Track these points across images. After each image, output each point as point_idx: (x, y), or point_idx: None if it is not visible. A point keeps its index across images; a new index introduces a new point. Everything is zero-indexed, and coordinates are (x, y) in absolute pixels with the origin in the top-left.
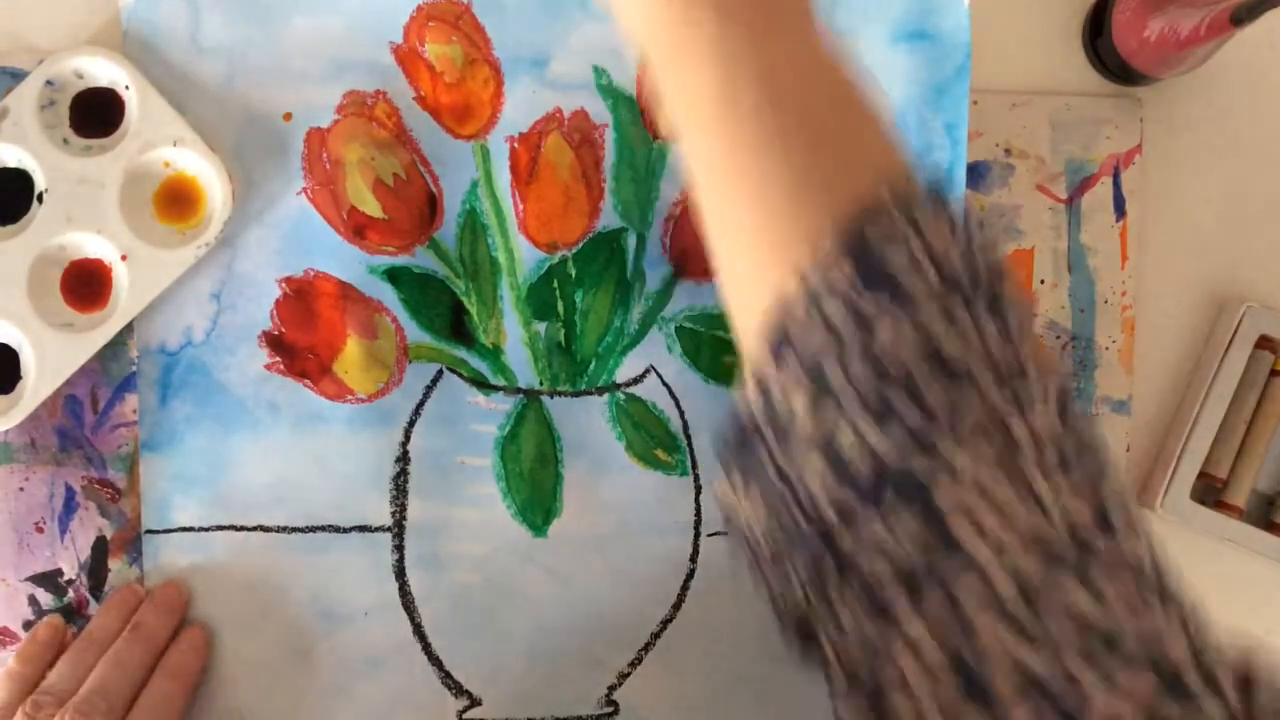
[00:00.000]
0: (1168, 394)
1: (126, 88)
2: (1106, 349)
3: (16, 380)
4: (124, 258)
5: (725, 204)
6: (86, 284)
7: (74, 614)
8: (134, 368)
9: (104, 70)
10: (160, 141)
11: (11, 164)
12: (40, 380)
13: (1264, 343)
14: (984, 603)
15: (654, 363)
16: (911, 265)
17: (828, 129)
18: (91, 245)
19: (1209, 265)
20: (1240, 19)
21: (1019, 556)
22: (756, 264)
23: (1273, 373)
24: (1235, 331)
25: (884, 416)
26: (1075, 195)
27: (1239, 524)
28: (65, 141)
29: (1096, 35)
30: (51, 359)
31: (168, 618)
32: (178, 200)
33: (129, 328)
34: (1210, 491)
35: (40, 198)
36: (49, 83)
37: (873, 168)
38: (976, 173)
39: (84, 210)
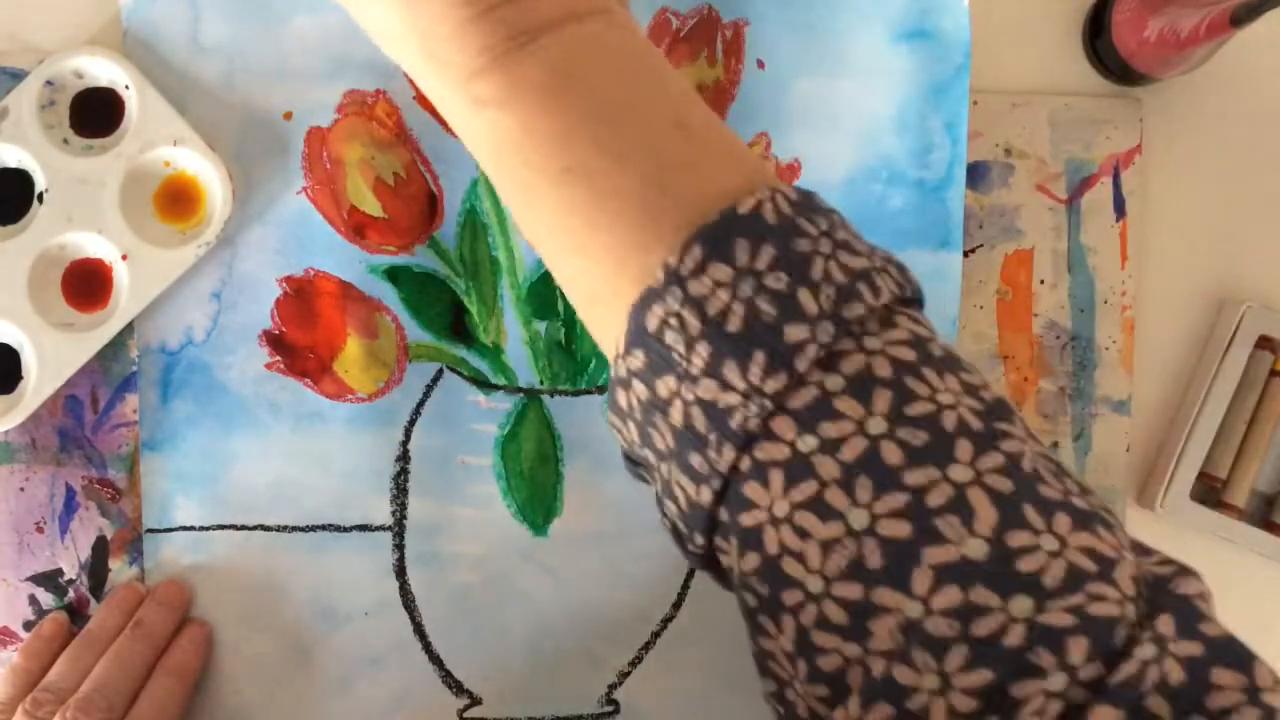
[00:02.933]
0: (1168, 394)
1: (126, 87)
2: (1106, 349)
3: (17, 380)
4: (124, 257)
5: (549, 260)
6: (87, 284)
7: (75, 614)
8: (134, 367)
9: (104, 70)
10: (160, 141)
11: (11, 164)
12: (41, 380)
13: (1264, 343)
14: (819, 624)
15: None
16: (687, 344)
17: (616, 183)
18: (92, 245)
19: (1209, 265)
20: (1240, 19)
21: (839, 585)
22: (590, 328)
23: (1273, 373)
24: (1235, 331)
25: (690, 472)
26: (1075, 195)
27: (1239, 524)
28: (65, 141)
29: (1096, 35)
30: (52, 359)
31: (169, 615)
32: (178, 200)
33: (129, 327)
34: (1210, 491)
35: (40, 198)
36: (49, 83)
37: (657, 225)
38: (976, 173)
39: (84, 210)
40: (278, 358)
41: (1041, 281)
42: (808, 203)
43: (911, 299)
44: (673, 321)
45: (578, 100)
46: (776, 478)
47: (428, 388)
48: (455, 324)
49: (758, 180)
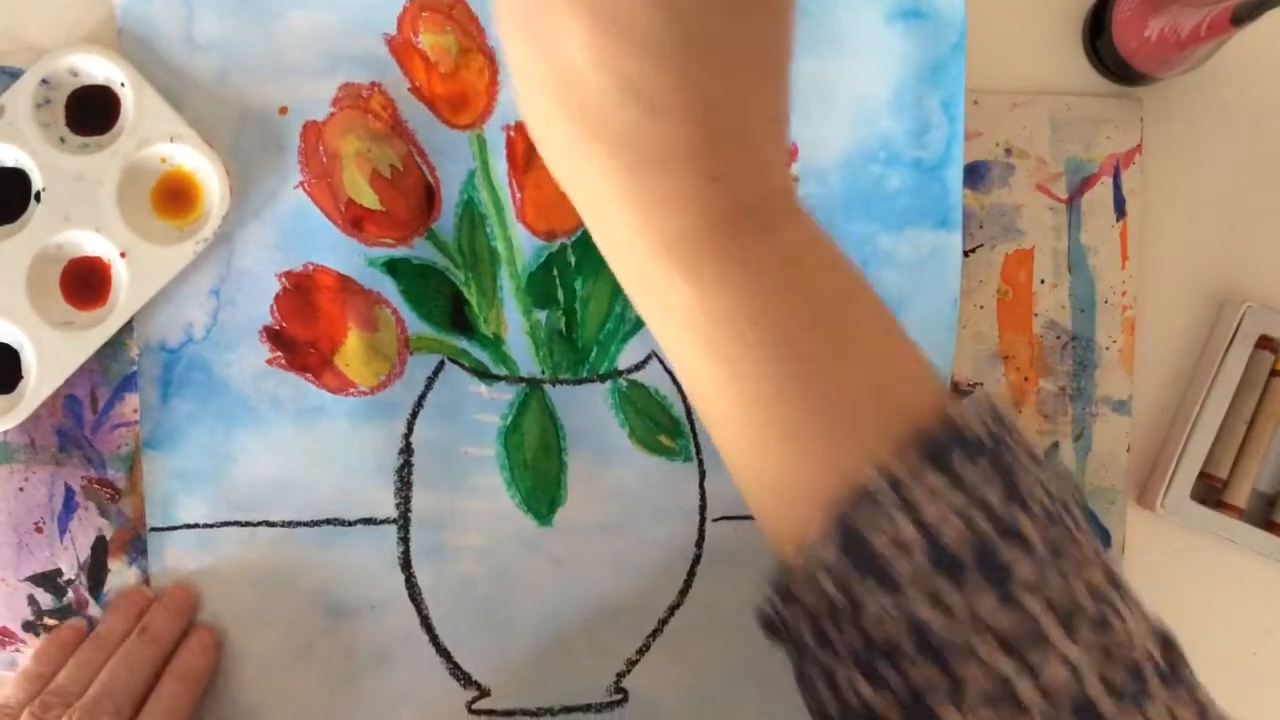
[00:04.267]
0: (1168, 394)
1: (122, 85)
2: (1106, 349)
3: (17, 380)
4: (123, 255)
5: (733, 441)
6: (86, 282)
7: (74, 615)
8: (134, 367)
9: (99, 68)
10: (157, 138)
11: (8, 163)
12: (41, 379)
13: (1264, 343)
14: None
15: (655, 349)
16: (897, 550)
17: (833, 372)
18: (90, 243)
19: (1209, 265)
20: (1240, 19)
21: None
22: (763, 513)
23: (1273, 373)
24: (1235, 331)
25: (875, 681)
26: (1075, 195)
27: (1239, 524)
28: (61, 140)
29: (1096, 35)
30: (52, 358)
31: (177, 619)
32: (175, 196)
33: (129, 326)
34: (1210, 491)
35: (38, 196)
36: (44, 81)
37: (877, 422)
38: (976, 173)
39: (82, 208)
40: (278, 353)
41: (1042, 281)
42: (1000, 415)
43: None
44: (885, 525)
45: (804, 284)
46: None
47: (429, 380)
48: (455, 315)
49: (944, 388)
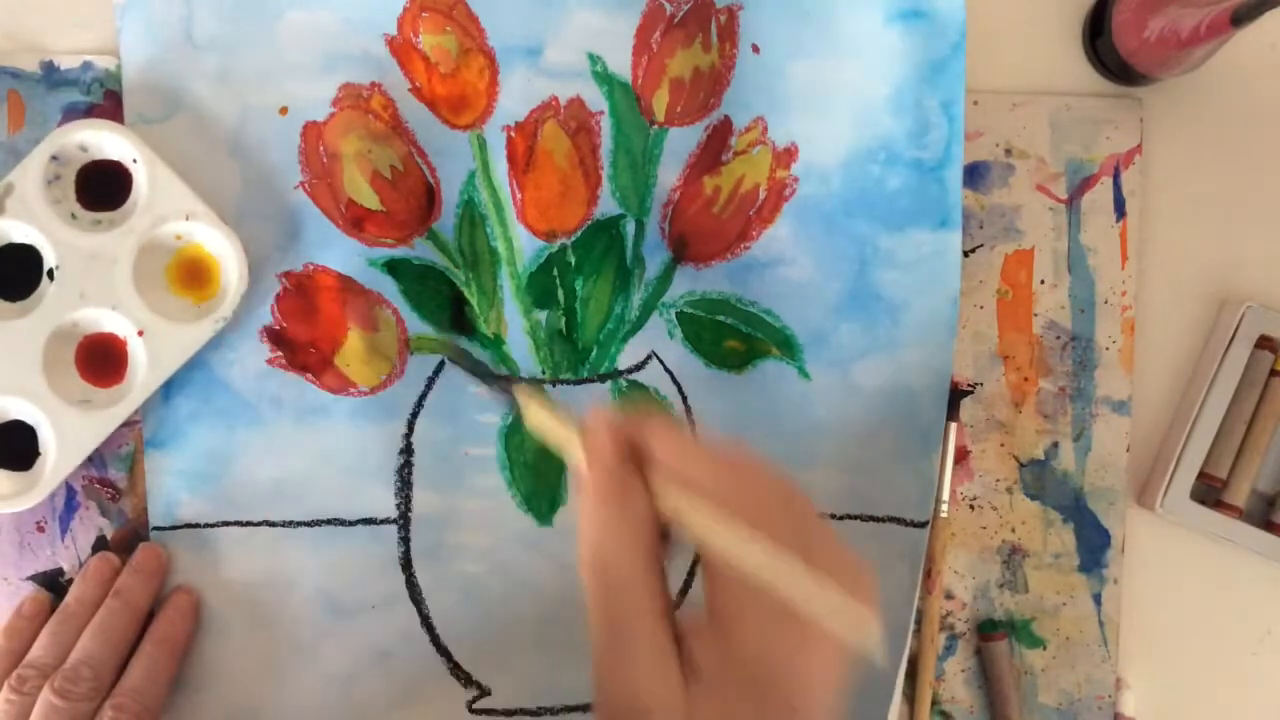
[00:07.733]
0: (1168, 394)
1: (134, 161)
2: (1106, 349)
3: (35, 457)
4: (140, 333)
5: None
6: (103, 359)
7: None
8: None
9: (110, 143)
10: (172, 216)
11: (19, 240)
12: (59, 458)
13: (1264, 343)
14: None
15: (655, 349)
16: None
17: None
18: (106, 321)
19: (1209, 265)
20: (1240, 19)
21: None
22: None
23: (1273, 373)
24: (1235, 331)
25: None
26: (1075, 195)
27: (1239, 524)
28: (73, 216)
29: (1096, 35)
30: (70, 436)
31: (148, 581)
32: (192, 273)
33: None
34: (1210, 491)
35: (50, 274)
36: (54, 157)
37: None
38: (976, 173)
39: (97, 286)
40: (279, 353)
41: (1042, 281)
42: None
43: None
44: None
45: None
46: None
47: (429, 380)
48: (455, 315)
49: None
